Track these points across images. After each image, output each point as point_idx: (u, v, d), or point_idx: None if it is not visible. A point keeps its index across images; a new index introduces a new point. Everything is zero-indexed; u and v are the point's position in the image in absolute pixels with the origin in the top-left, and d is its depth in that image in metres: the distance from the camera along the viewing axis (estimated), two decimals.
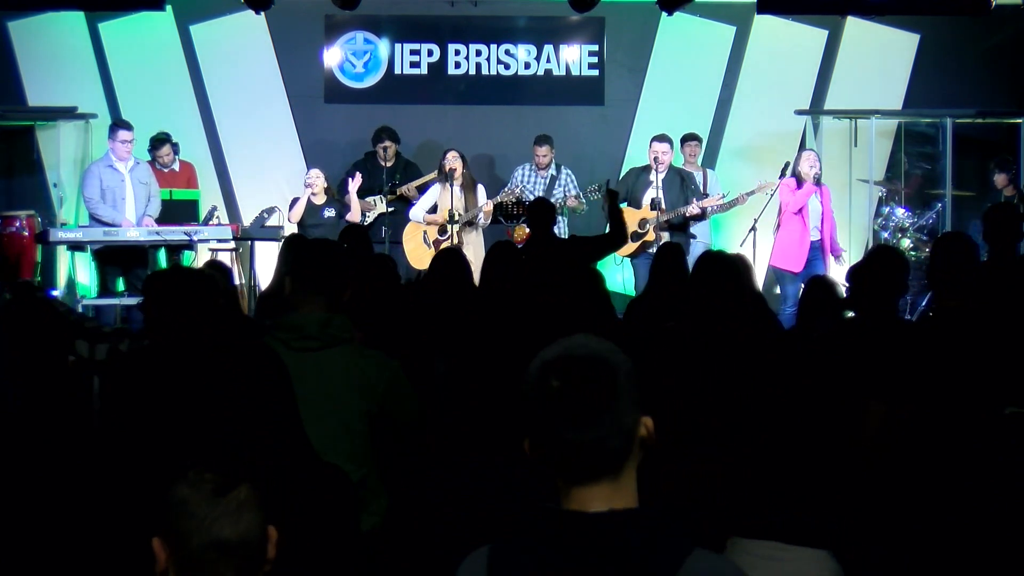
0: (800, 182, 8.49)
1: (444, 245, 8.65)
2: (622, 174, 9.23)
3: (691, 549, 1.62)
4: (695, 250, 8.31)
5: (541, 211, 6.72)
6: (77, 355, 3.79)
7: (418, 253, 8.86)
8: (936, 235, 9.45)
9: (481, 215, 8.79)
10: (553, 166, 9.30)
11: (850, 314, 4.36)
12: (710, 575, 1.62)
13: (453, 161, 8.72)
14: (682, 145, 9.41)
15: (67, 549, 2.52)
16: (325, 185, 9.07)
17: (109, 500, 2.55)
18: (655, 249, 8.43)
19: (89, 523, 2.54)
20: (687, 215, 8.58)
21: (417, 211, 8.94)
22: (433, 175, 9.03)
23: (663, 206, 8.50)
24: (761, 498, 3.06)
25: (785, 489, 3.36)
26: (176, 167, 9.35)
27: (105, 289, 8.47)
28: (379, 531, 3.12)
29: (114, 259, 8.43)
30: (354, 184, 9.04)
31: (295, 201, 9.06)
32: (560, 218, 9.16)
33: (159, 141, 9.23)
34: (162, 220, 8.60)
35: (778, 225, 8.70)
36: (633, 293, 8.74)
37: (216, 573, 1.69)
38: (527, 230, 8.89)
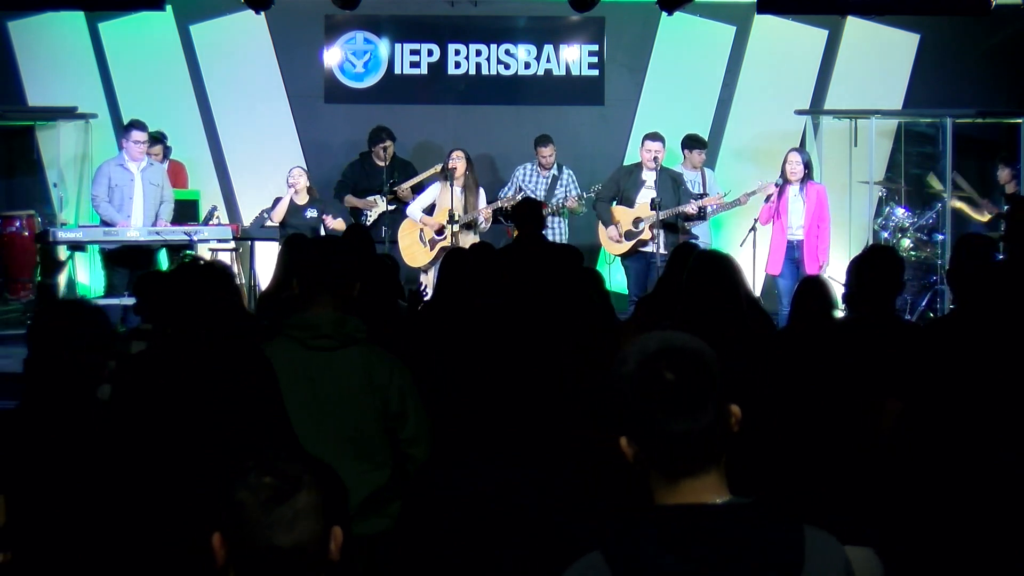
0: (786, 182, 8.52)
1: (441, 245, 8.66)
2: None
3: (804, 530, 1.66)
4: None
5: (527, 211, 6.63)
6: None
7: (413, 251, 8.85)
8: (936, 235, 9.48)
9: (481, 218, 8.77)
10: (555, 166, 9.30)
11: (841, 313, 4.37)
12: (827, 551, 1.67)
13: (456, 161, 8.70)
14: (689, 151, 9.28)
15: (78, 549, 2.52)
16: (307, 184, 9.02)
17: (116, 501, 2.55)
18: (648, 248, 8.47)
19: (93, 523, 2.55)
20: (685, 214, 8.53)
21: (414, 208, 8.91)
22: (434, 170, 8.99)
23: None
24: (796, 497, 3.07)
25: (820, 488, 3.37)
26: (165, 166, 9.32)
27: (112, 289, 8.46)
28: (390, 533, 3.12)
29: (122, 260, 8.42)
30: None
31: (277, 201, 8.99)
32: (560, 219, 9.15)
33: (153, 139, 9.22)
34: (169, 221, 8.60)
35: None
36: (625, 292, 8.74)
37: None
38: None
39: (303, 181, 8.94)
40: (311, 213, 8.90)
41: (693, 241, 8.64)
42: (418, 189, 9.11)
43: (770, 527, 1.64)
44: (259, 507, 1.69)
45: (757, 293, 8.89)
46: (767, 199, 8.45)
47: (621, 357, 1.70)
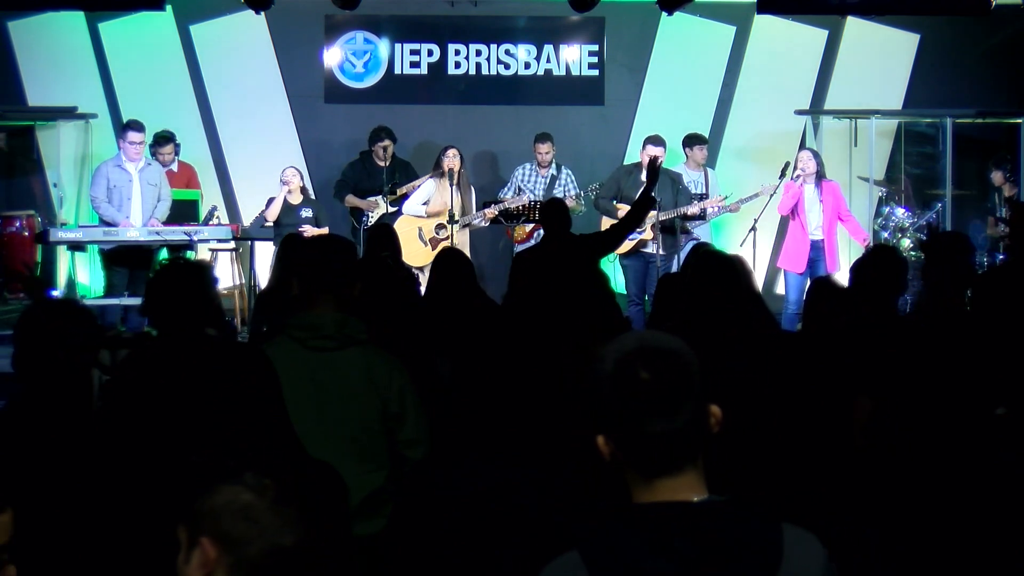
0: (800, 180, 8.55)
1: (443, 245, 8.66)
2: None
3: (782, 527, 1.66)
4: None
5: (555, 211, 6.59)
6: (100, 364, 3.78)
7: (411, 250, 8.84)
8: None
9: (481, 220, 8.79)
10: (553, 166, 9.30)
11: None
12: (805, 549, 1.67)
13: (453, 159, 8.71)
14: (690, 148, 9.26)
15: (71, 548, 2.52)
16: (301, 184, 9.02)
17: (107, 499, 2.55)
18: (648, 248, 8.48)
19: (87, 523, 2.54)
20: (687, 215, 8.56)
21: (412, 205, 8.90)
22: (431, 173, 9.01)
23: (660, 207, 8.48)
24: (795, 496, 3.07)
25: (820, 488, 3.37)
26: (175, 167, 9.33)
27: (112, 288, 8.46)
28: (383, 533, 3.12)
29: (121, 260, 8.42)
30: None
31: (271, 200, 8.99)
32: None
33: (163, 139, 9.22)
34: (162, 220, 8.60)
35: (786, 227, 8.75)
36: (624, 292, 8.73)
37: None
38: (527, 229, 8.91)
39: (296, 181, 8.94)
40: (305, 213, 8.89)
41: (694, 242, 8.66)
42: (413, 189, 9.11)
43: (748, 525, 1.64)
44: (267, 508, 1.69)
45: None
46: (793, 181, 8.46)
47: (600, 356, 1.71)
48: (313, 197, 9.19)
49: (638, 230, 8.52)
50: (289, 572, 1.69)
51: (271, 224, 8.87)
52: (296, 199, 8.95)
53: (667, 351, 1.68)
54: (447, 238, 8.69)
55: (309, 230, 8.67)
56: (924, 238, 9.40)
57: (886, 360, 3.58)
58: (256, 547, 1.68)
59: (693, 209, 8.51)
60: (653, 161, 6.39)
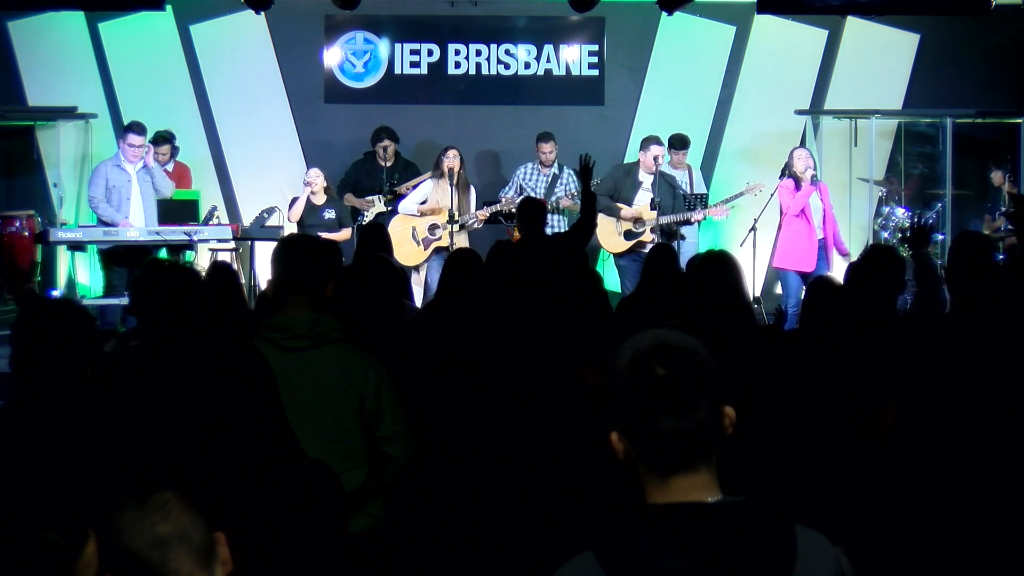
0: (797, 183, 8.44)
1: (435, 245, 8.69)
2: None
3: (796, 529, 1.66)
4: (685, 250, 8.32)
5: (529, 210, 6.63)
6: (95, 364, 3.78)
7: (404, 250, 8.83)
8: (936, 235, 9.48)
9: (475, 221, 8.81)
10: (555, 165, 9.31)
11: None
12: (818, 551, 1.67)
13: (453, 160, 8.72)
14: (674, 151, 9.26)
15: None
16: (325, 184, 9.06)
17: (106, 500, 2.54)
18: (646, 250, 8.47)
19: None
20: (692, 221, 8.59)
21: (407, 204, 8.93)
22: (429, 173, 9.03)
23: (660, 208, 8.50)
24: (798, 497, 3.06)
25: (821, 489, 3.36)
26: (170, 167, 9.32)
27: (111, 288, 8.46)
28: (372, 531, 3.12)
29: (120, 259, 8.43)
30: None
31: (295, 201, 9.06)
32: (559, 217, 9.15)
33: (160, 139, 9.22)
34: (162, 220, 8.60)
35: (780, 226, 8.66)
36: (619, 292, 8.74)
37: (168, 570, 1.71)
38: None
39: (320, 182, 9.00)
40: (329, 214, 8.94)
41: (682, 242, 8.67)
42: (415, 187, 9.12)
43: (762, 526, 1.63)
44: (128, 514, 1.74)
45: (758, 292, 8.93)
46: (795, 182, 8.43)
47: (616, 353, 1.71)
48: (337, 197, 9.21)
49: (636, 230, 8.53)
50: (179, 558, 1.71)
51: (293, 224, 8.91)
52: (320, 200, 9.00)
53: (683, 349, 1.67)
54: (439, 238, 8.71)
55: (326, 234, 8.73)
56: (910, 232, 9.38)
57: (912, 363, 3.57)
58: (135, 548, 1.73)
59: (698, 216, 8.55)
60: (586, 161, 6.34)
